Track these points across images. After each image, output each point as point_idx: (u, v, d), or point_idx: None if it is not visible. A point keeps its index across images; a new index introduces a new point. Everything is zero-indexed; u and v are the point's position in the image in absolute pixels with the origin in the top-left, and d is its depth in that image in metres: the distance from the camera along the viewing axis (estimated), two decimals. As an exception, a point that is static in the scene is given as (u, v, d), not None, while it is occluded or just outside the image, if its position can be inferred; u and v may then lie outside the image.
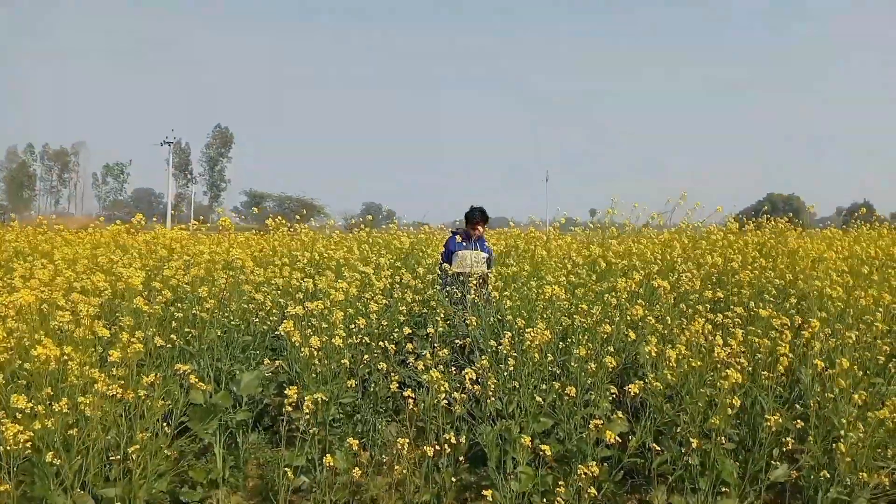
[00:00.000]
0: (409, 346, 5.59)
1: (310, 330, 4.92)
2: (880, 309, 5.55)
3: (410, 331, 5.69)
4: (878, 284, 6.40)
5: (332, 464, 4.42)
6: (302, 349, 4.75)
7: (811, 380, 5.00)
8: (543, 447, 4.36)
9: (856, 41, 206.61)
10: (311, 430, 4.63)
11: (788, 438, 4.56)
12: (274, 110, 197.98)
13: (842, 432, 4.44)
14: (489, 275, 7.91)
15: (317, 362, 4.83)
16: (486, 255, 8.43)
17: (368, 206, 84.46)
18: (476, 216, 8.51)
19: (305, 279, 6.45)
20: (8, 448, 3.39)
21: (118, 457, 4.00)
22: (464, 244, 8.39)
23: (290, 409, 4.45)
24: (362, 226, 10.49)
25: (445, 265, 8.10)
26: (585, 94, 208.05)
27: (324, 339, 4.79)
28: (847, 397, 4.60)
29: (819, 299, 6.02)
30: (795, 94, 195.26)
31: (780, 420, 4.52)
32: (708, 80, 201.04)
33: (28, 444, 3.43)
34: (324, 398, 4.63)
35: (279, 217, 10.26)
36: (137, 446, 3.93)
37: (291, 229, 10.38)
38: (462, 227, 8.76)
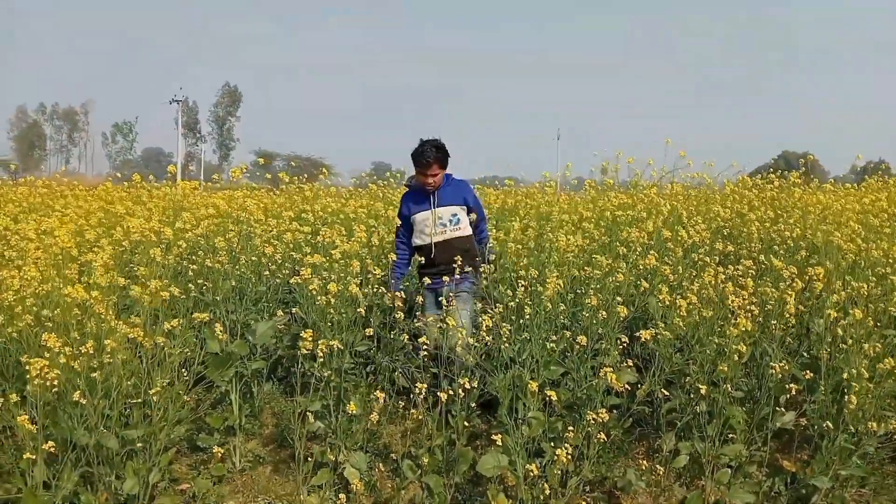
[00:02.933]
0: (419, 298, 5.62)
1: (320, 281, 4.95)
2: (891, 260, 5.54)
3: (430, 280, 5.66)
4: (888, 237, 6.37)
5: (352, 410, 4.50)
6: (318, 298, 4.80)
7: (824, 329, 5.02)
8: (550, 392, 4.40)
9: None
10: (326, 374, 4.71)
11: (793, 385, 4.60)
12: (283, 66, 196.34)
13: (852, 383, 4.47)
14: (481, 240, 5.71)
15: (332, 311, 4.88)
16: (457, 207, 5.66)
17: (378, 166, 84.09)
18: (428, 155, 5.50)
19: (315, 235, 6.48)
20: (36, 383, 3.46)
21: (139, 400, 4.11)
22: (422, 202, 5.67)
23: (309, 351, 4.45)
24: (371, 184, 10.47)
25: (402, 247, 5.80)
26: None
27: (340, 288, 4.84)
28: (858, 348, 4.63)
29: (831, 250, 5.99)
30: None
31: (788, 367, 4.57)
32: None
33: (55, 381, 3.50)
34: (340, 346, 4.70)
35: (293, 177, 10.25)
36: (159, 388, 4.02)
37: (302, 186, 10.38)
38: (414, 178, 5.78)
